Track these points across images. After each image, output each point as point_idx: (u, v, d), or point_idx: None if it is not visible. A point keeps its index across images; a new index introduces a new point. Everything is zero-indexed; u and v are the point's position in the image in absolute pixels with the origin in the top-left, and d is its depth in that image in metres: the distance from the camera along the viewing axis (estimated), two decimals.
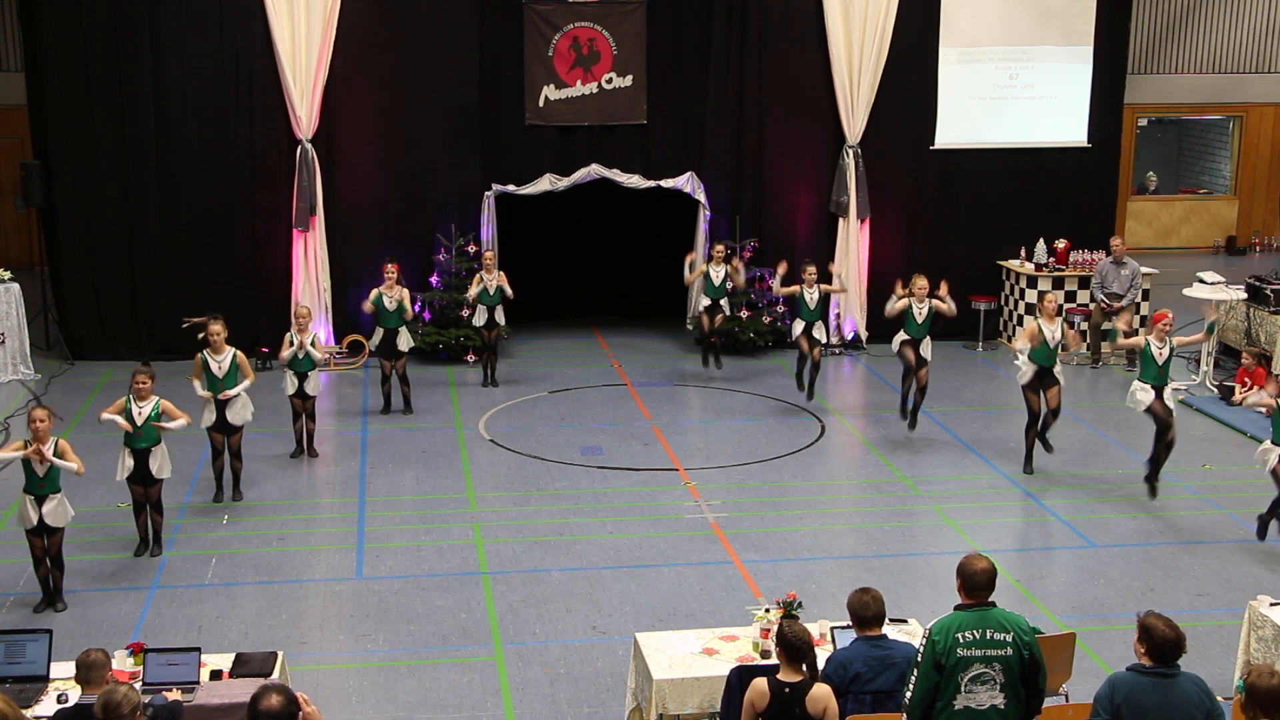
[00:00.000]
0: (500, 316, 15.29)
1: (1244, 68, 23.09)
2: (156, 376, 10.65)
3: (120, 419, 10.23)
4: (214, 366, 11.45)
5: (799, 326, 14.42)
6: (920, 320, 13.29)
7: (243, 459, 11.94)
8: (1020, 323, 17.11)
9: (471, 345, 16.25)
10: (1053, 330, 12.23)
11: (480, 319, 15.22)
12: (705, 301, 15.66)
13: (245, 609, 9.78)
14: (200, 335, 11.61)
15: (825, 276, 15.04)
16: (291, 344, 12.62)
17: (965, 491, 12.36)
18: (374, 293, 14.07)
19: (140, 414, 10.30)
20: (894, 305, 13.48)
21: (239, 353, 11.57)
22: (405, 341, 14.18)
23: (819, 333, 14.45)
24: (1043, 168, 17.82)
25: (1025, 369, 12.40)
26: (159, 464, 10.44)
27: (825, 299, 15.19)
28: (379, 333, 14.17)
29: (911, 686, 6.19)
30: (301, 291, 16.20)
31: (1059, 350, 12.31)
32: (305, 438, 13.07)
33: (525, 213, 17.20)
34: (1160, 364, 11.64)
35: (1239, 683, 6.34)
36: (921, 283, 13.37)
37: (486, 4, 16.53)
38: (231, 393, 11.41)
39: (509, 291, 15.08)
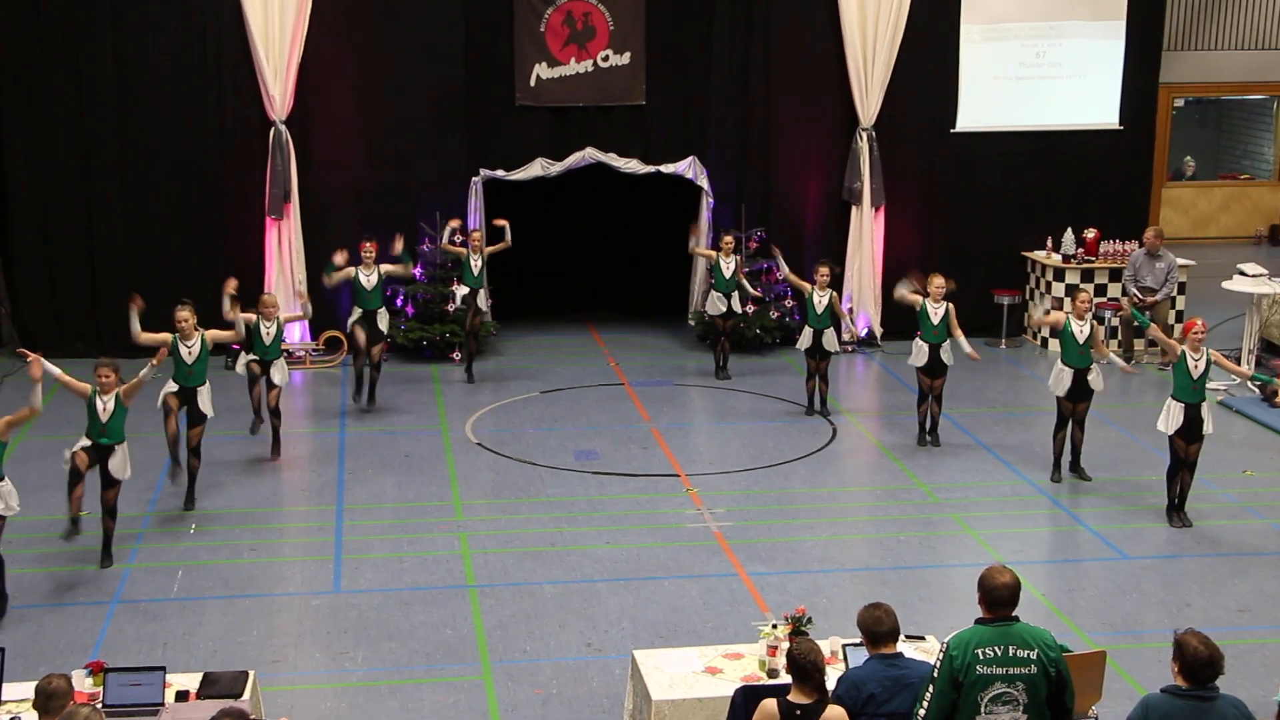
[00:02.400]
0: (484, 302, 15.37)
1: None
2: (120, 369, 10.66)
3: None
4: (184, 353, 11.56)
5: (807, 337, 14.30)
6: (935, 322, 13.26)
7: (201, 459, 12.00)
8: (1046, 315, 17.14)
9: (457, 341, 16.26)
10: (1082, 327, 12.21)
11: (461, 298, 15.44)
12: (721, 307, 15.60)
13: (214, 625, 9.77)
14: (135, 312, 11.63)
15: (837, 280, 15.00)
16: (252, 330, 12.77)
17: (987, 499, 12.37)
18: (350, 270, 14.16)
19: (105, 410, 10.31)
20: (905, 294, 13.49)
21: (207, 333, 11.73)
22: (385, 323, 14.32)
23: (828, 342, 14.25)
24: (1071, 152, 17.82)
25: (1059, 375, 12.36)
26: (119, 463, 10.48)
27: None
28: (357, 312, 14.30)
29: (926, 704, 6.19)
30: (275, 284, 16.20)
31: (1089, 350, 12.28)
32: (272, 435, 13.07)
33: (515, 199, 17.18)
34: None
35: (1279, 698, 6.37)
36: (939, 282, 13.35)
37: None
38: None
39: (504, 244, 15.39)
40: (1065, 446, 12.67)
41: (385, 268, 14.38)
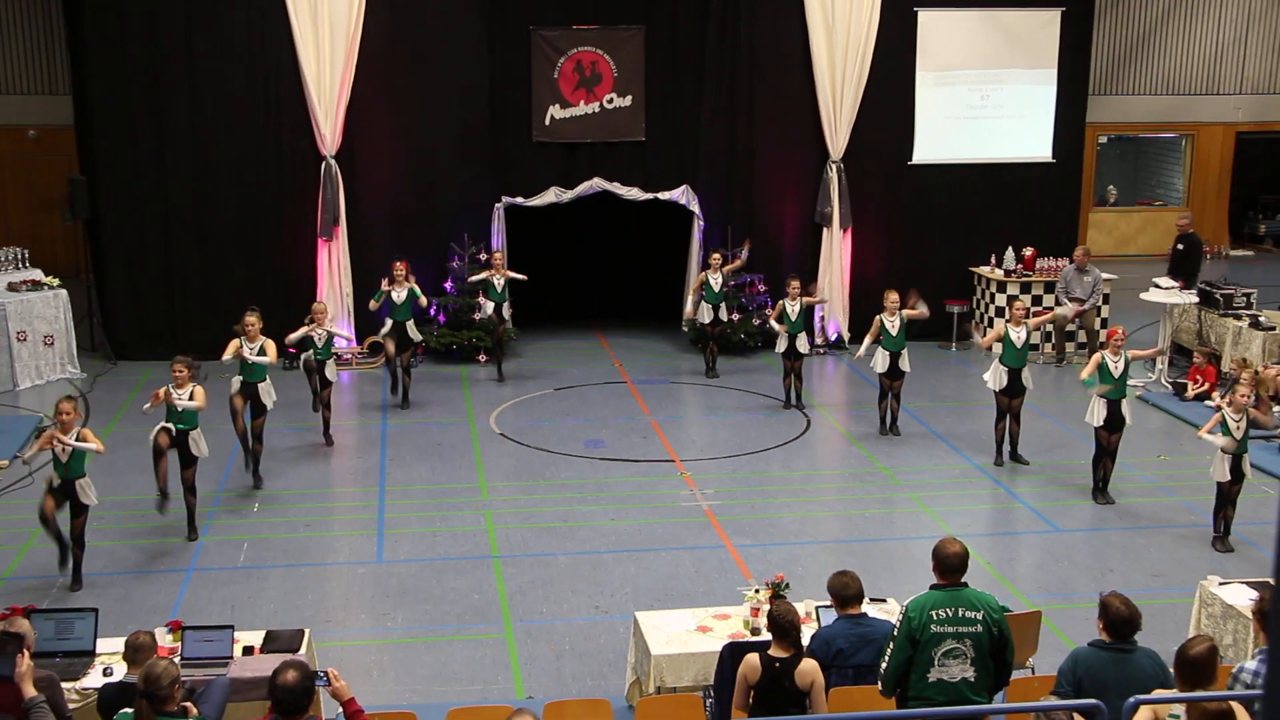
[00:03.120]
0: (506, 313, 15.39)
1: (1195, 90, 23.16)
2: (193, 366, 10.66)
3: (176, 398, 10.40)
4: (247, 351, 11.61)
5: (784, 342, 14.26)
6: (894, 333, 13.20)
7: (264, 443, 12.01)
8: (990, 324, 17.15)
9: (483, 346, 16.27)
10: (1019, 332, 12.23)
11: (488, 311, 15.36)
12: (708, 316, 15.57)
13: (274, 590, 9.79)
14: (236, 326, 11.70)
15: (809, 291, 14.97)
16: (309, 336, 12.76)
17: (940, 481, 12.38)
18: (380, 291, 14.17)
19: (180, 401, 10.32)
20: (910, 312, 13.33)
21: (269, 341, 11.75)
22: (414, 333, 14.31)
23: (801, 344, 14.25)
24: (1011, 181, 17.83)
25: (996, 373, 12.37)
26: (196, 443, 10.50)
27: (808, 310, 15.14)
28: (388, 324, 14.27)
29: (887, 658, 6.21)
30: (325, 294, 16.20)
31: (1027, 353, 12.31)
32: (323, 425, 13.09)
33: (532, 223, 17.21)
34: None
35: None
36: (893, 297, 13.30)
37: (496, 29, 16.54)
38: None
39: (519, 276, 15.29)
40: (1005, 435, 12.69)
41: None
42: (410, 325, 14.29)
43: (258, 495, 11.76)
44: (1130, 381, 11.77)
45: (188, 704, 5.86)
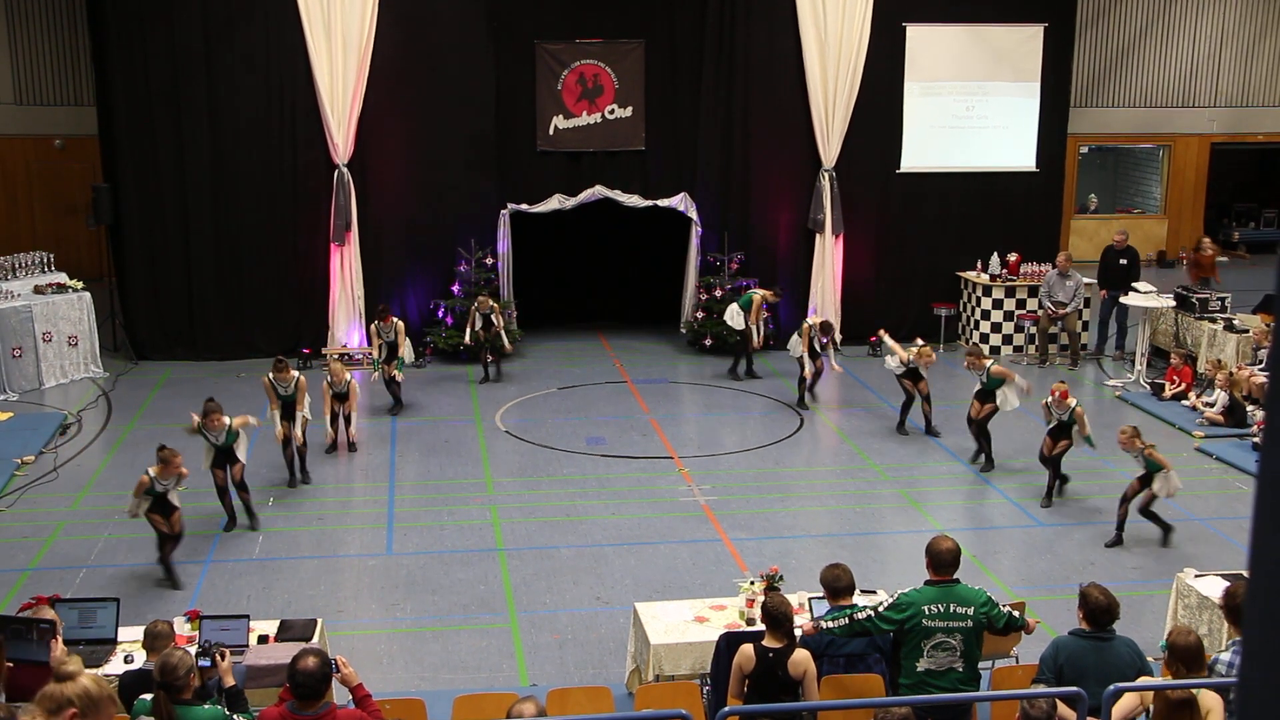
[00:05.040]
0: (502, 321, 15.41)
1: (1172, 103, 23.16)
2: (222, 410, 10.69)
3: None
4: (280, 389, 11.70)
5: (796, 345, 14.27)
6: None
7: (308, 446, 12.03)
8: (976, 326, 17.15)
9: (487, 347, 16.17)
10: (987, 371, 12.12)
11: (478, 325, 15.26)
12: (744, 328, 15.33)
13: (288, 581, 9.79)
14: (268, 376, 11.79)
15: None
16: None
17: (928, 477, 12.37)
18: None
19: (217, 439, 10.48)
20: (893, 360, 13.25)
21: (300, 379, 11.78)
22: (408, 352, 14.29)
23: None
24: (996, 190, 17.81)
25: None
26: (240, 450, 10.60)
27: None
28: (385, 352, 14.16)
29: (853, 619, 6.28)
30: (338, 299, 16.20)
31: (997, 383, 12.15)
32: (344, 428, 12.94)
33: (537, 229, 17.19)
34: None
35: (1163, 643, 6.39)
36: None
37: (502, 43, 16.53)
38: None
39: (499, 323, 15.16)
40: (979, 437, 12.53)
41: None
42: (406, 348, 14.07)
43: (272, 491, 11.74)
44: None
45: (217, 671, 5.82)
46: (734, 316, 15.49)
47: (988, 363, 12.25)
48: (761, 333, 15.53)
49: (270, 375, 11.73)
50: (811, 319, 14.67)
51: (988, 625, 6.27)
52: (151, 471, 9.44)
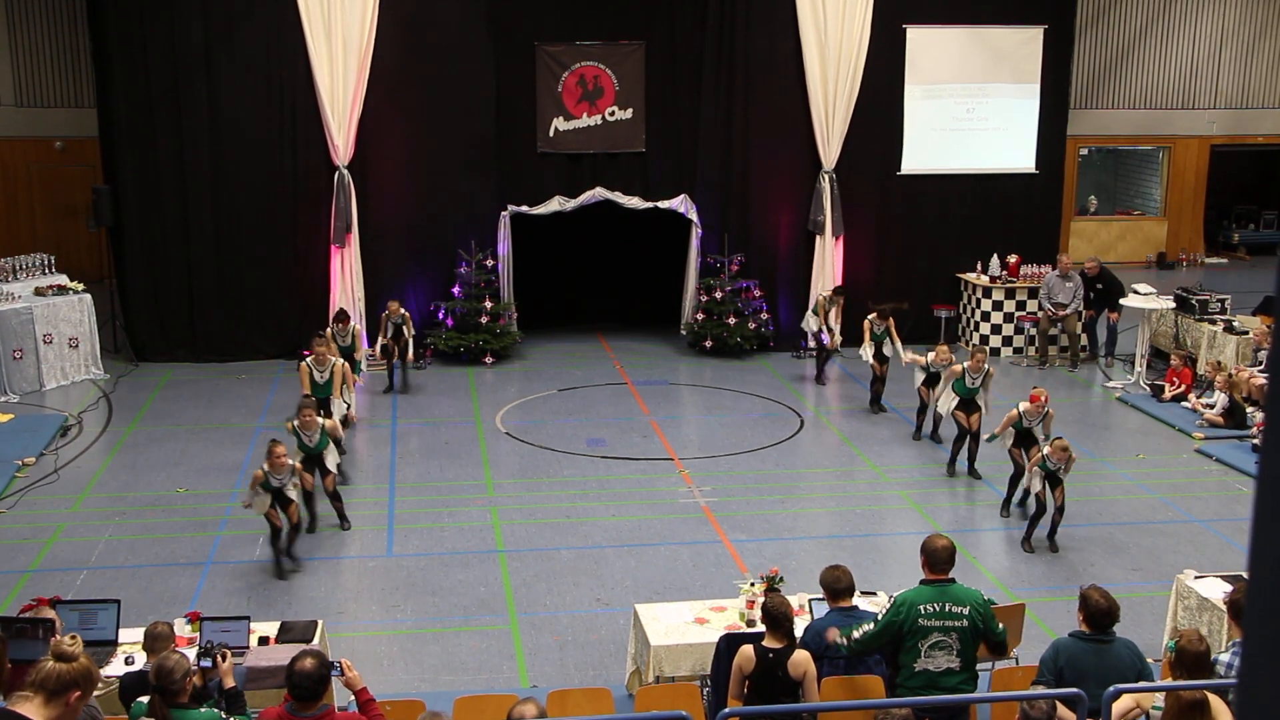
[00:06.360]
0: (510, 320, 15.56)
1: (1172, 104, 23.16)
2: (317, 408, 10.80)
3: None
4: (317, 375, 11.77)
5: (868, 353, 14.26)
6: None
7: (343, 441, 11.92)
8: (976, 328, 17.16)
9: (489, 348, 16.23)
10: (975, 378, 11.97)
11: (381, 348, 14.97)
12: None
13: (289, 582, 9.78)
14: (305, 352, 11.77)
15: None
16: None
17: (927, 479, 12.36)
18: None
19: (310, 439, 10.45)
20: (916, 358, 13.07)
21: (340, 363, 11.88)
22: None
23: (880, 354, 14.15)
24: (996, 191, 17.82)
25: (947, 400, 12.23)
26: (328, 460, 10.57)
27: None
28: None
29: (864, 631, 6.27)
30: (338, 300, 16.20)
31: (977, 390, 12.03)
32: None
33: (537, 231, 17.20)
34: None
35: (1170, 644, 6.40)
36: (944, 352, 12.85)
37: (503, 45, 16.53)
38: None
39: (409, 333, 14.88)
40: (962, 450, 12.31)
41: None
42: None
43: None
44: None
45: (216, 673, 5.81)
46: (807, 321, 15.69)
47: (986, 365, 12.20)
48: (835, 334, 15.40)
49: (309, 359, 11.90)
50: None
51: (984, 628, 6.27)
52: (265, 467, 9.56)
